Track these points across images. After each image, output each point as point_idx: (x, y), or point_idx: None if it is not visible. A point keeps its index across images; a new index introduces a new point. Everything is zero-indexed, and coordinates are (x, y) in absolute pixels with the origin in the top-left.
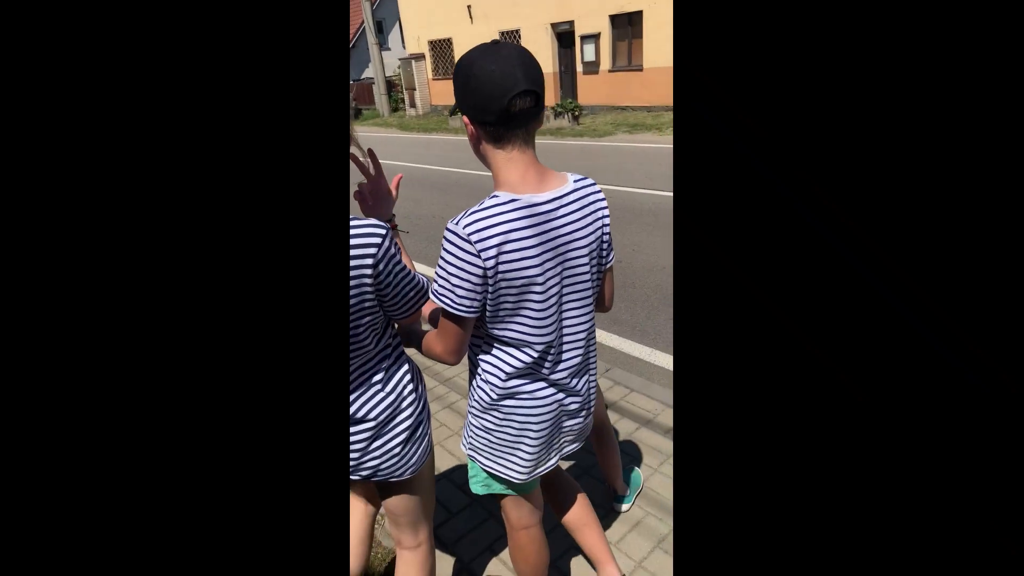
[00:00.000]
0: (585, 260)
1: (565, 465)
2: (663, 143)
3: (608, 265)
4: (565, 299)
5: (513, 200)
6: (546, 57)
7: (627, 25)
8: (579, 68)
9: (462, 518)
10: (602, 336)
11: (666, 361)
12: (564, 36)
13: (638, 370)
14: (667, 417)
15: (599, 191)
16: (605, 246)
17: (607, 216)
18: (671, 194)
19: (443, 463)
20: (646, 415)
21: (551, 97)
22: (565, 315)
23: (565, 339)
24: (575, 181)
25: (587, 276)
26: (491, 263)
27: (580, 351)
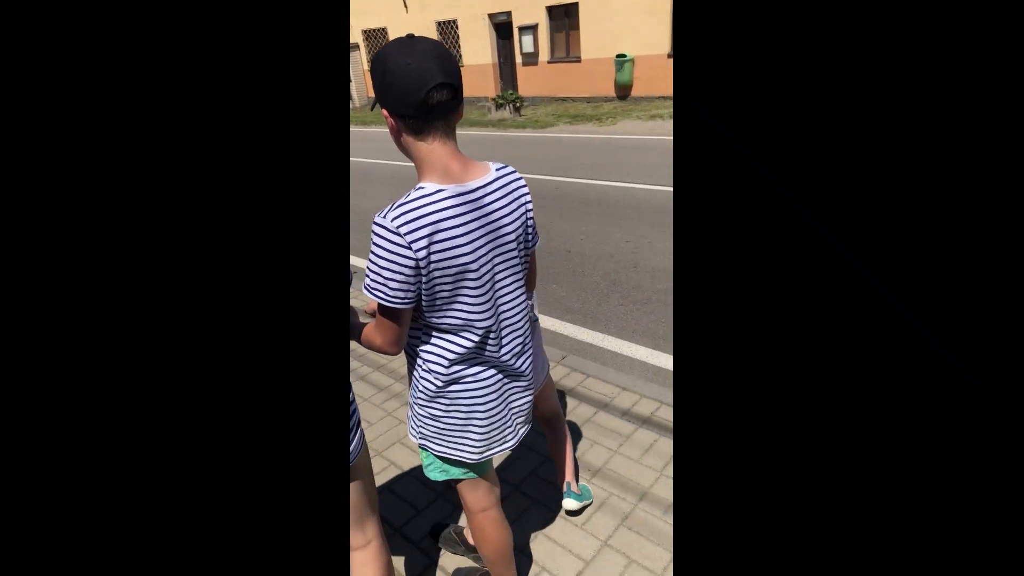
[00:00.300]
0: (514, 243)
1: (516, 455)
2: (604, 134)
3: (533, 247)
4: (500, 283)
5: (440, 191)
6: (485, 47)
7: (564, 16)
8: (518, 59)
9: (428, 514)
10: (555, 324)
11: (618, 346)
12: (502, 27)
13: (592, 355)
14: (623, 400)
15: (520, 178)
16: (530, 229)
17: (530, 201)
18: (616, 184)
19: (405, 460)
20: (603, 399)
21: (491, 88)
22: (502, 298)
23: (504, 321)
24: (497, 169)
25: (517, 259)
26: (423, 254)
27: (520, 331)
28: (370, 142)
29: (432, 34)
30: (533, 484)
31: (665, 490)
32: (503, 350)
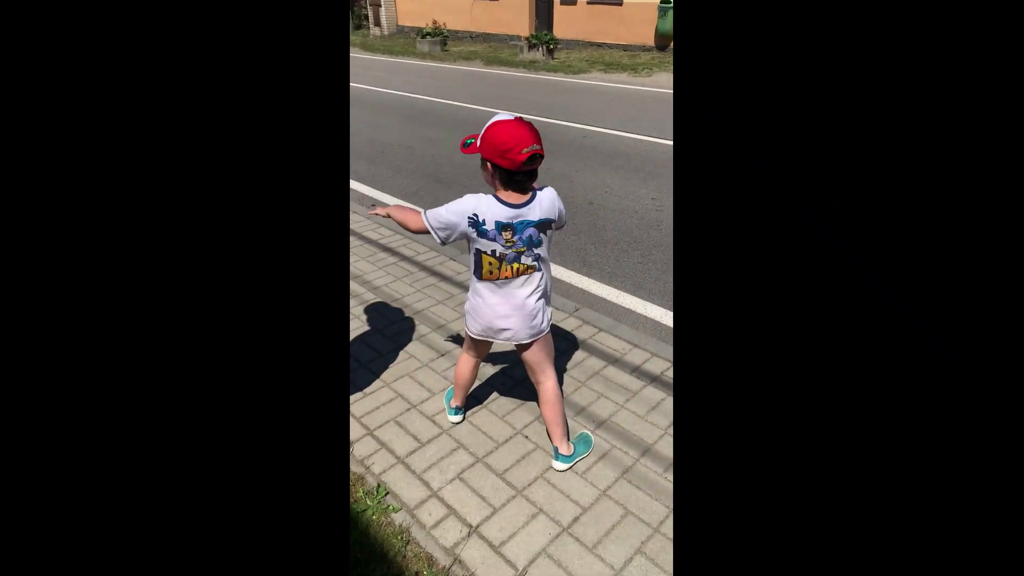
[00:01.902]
0: None
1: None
2: (639, 85)
3: None
4: None
5: None
6: None
7: None
8: None
9: (431, 447)
10: (572, 277)
11: (632, 303)
12: None
13: (606, 310)
14: (634, 356)
15: None
16: None
17: None
18: (647, 138)
19: (411, 391)
20: (614, 354)
21: (525, 27)
22: None
23: None
24: None
25: None
26: None
27: None
28: (398, 73)
29: None
30: (535, 429)
31: (668, 448)
32: None
